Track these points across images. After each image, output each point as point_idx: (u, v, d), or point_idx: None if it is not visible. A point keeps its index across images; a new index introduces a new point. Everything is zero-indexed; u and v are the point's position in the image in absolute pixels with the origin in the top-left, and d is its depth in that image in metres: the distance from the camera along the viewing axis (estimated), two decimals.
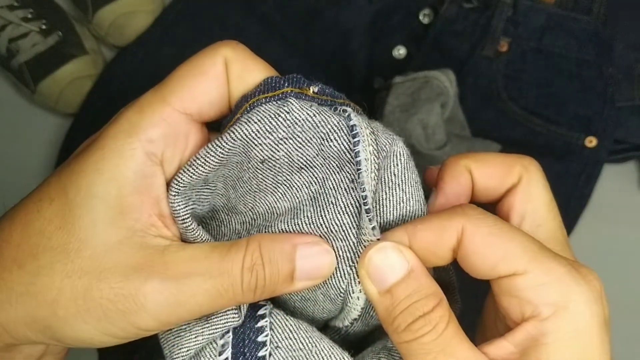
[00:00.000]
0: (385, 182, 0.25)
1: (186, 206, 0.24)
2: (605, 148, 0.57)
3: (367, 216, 0.23)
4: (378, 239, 0.24)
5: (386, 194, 0.25)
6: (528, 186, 0.26)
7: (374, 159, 0.24)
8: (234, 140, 0.23)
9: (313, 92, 0.24)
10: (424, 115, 0.50)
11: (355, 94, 0.58)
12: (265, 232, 0.26)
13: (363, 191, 0.23)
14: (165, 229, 0.24)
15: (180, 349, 0.24)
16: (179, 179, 0.23)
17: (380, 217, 0.25)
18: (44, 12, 0.59)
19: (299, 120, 0.23)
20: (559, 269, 0.23)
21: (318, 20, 0.59)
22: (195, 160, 0.23)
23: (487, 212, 0.24)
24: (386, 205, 0.25)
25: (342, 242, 0.25)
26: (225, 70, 0.24)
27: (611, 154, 0.59)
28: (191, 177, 0.23)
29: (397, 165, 0.25)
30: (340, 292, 0.25)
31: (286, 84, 0.24)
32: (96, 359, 0.54)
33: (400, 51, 0.59)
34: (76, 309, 0.22)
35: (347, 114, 0.23)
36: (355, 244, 0.25)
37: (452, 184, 0.26)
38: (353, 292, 0.25)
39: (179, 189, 0.23)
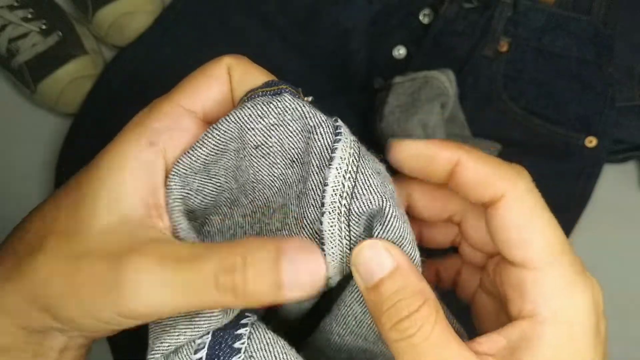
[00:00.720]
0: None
1: (182, 188, 0.24)
2: (605, 148, 0.57)
3: (322, 219, 0.24)
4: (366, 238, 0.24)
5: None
6: (512, 203, 0.25)
7: (352, 161, 0.24)
8: (228, 122, 0.24)
9: (307, 100, 0.25)
10: (424, 115, 0.50)
11: (355, 94, 0.58)
12: (264, 229, 0.26)
13: (323, 192, 0.24)
14: (159, 219, 0.24)
15: (162, 342, 0.24)
16: (179, 161, 0.25)
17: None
18: (44, 12, 0.59)
19: (289, 109, 0.24)
20: (568, 272, 0.23)
21: (318, 20, 0.59)
22: (195, 144, 0.25)
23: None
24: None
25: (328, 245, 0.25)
26: (228, 75, 0.26)
27: (611, 154, 0.59)
28: (190, 158, 0.24)
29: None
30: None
31: (282, 84, 0.25)
32: None
33: (400, 51, 0.59)
34: (64, 288, 0.24)
35: (334, 118, 0.24)
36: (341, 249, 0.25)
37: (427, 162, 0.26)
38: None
39: (178, 170, 0.24)
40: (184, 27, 0.60)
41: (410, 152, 0.26)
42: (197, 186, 0.26)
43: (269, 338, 0.25)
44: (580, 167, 0.57)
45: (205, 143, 0.25)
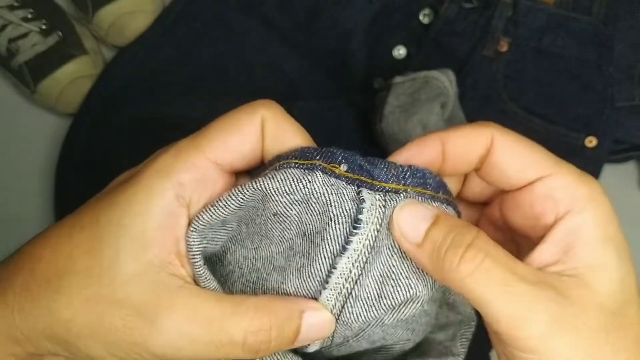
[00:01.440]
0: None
1: (200, 244, 0.25)
2: (605, 148, 0.57)
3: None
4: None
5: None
6: (504, 141, 0.26)
7: (364, 252, 0.25)
8: (254, 189, 0.24)
9: (342, 170, 0.25)
10: (424, 115, 0.50)
11: (355, 94, 0.58)
12: (261, 281, 0.27)
13: (330, 272, 0.25)
14: (181, 267, 0.25)
15: None
16: (200, 217, 0.25)
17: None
18: (44, 12, 0.59)
19: (316, 193, 0.24)
20: (577, 170, 0.26)
21: (318, 20, 0.59)
22: (217, 202, 0.25)
23: None
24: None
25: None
26: (261, 129, 0.26)
27: (611, 154, 0.59)
28: (211, 216, 0.25)
29: None
30: None
31: (318, 157, 0.25)
32: None
33: (400, 51, 0.59)
34: (88, 330, 0.24)
35: (362, 204, 0.24)
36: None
37: (418, 154, 0.27)
38: None
39: (197, 227, 0.25)
40: (184, 27, 0.60)
41: (402, 158, 0.27)
42: (212, 236, 0.26)
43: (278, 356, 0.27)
44: (580, 167, 0.57)
45: (227, 204, 0.25)
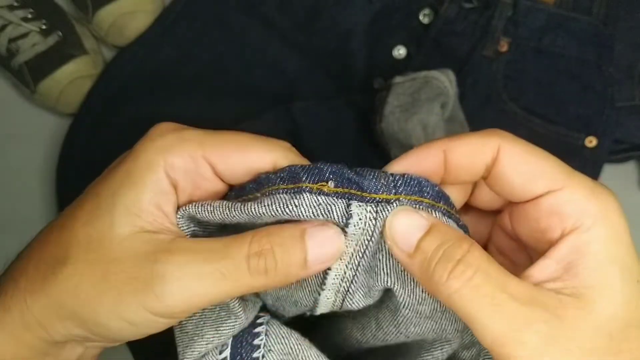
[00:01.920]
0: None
1: (188, 228, 0.27)
2: (605, 148, 0.57)
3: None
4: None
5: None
6: (511, 151, 0.25)
7: (355, 260, 0.26)
8: (241, 212, 0.25)
9: (331, 187, 0.25)
10: (424, 115, 0.50)
11: (355, 94, 0.58)
12: None
13: (326, 274, 0.26)
14: (175, 234, 0.26)
15: (192, 350, 0.27)
16: (187, 208, 0.26)
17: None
18: (44, 12, 0.59)
19: (305, 214, 0.25)
20: (590, 183, 0.24)
21: (318, 20, 0.59)
22: (205, 206, 0.26)
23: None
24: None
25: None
26: (273, 165, 0.27)
27: (611, 154, 0.59)
28: (196, 214, 0.26)
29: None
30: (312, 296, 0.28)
31: (305, 177, 0.25)
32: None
33: (400, 51, 0.59)
34: (94, 292, 0.25)
35: (349, 219, 0.25)
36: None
37: (418, 163, 0.26)
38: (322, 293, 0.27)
39: (184, 214, 0.26)
40: (184, 27, 0.60)
41: (402, 166, 0.26)
42: (201, 225, 0.28)
43: (283, 332, 0.27)
44: (580, 167, 0.57)
45: (213, 215, 0.26)
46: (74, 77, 0.58)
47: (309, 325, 0.30)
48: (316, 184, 0.25)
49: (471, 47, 0.57)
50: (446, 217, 0.25)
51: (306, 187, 0.24)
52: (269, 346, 0.27)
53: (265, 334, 0.27)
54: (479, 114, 0.57)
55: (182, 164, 0.26)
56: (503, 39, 0.57)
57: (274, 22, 0.60)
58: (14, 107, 0.62)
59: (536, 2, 0.57)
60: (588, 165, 0.57)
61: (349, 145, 0.55)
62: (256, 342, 0.27)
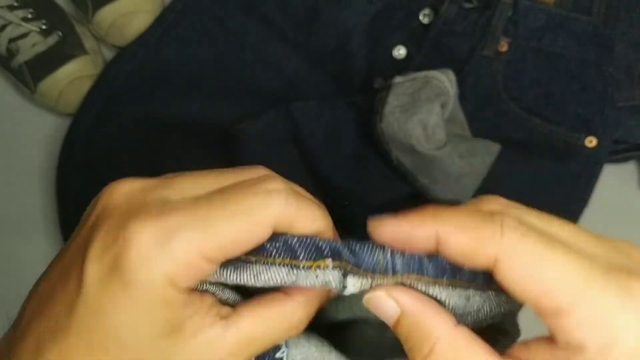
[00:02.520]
0: None
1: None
2: (605, 148, 0.57)
3: None
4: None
5: None
6: (510, 266, 0.22)
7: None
8: (239, 279, 0.25)
9: (327, 264, 0.24)
10: (424, 115, 0.50)
11: (355, 94, 0.58)
12: None
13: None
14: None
15: None
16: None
17: None
18: (44, 12, 0.59)
19: (300, 283, 0.25)
20: (609, 302, 0.21)
21: (318, 20, 0.59)
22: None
23: (524, 222, 0.22)
24: None
25: None
26: (273, 228, 0.25)
27: (611, 154, 0.59)
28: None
29: None
30: None
31: (301, 256, 0.25)
32: None
33: (400, 51, 0.59)
34: None
35: (344, 290, 0.25)
36: None
37: (408, 240, 0.24)
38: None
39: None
40: (184, 27, 0.60)
41: (388, 234, 0.24)
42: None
43: (303, 341, 0.28)
44: (581, 167, 0.57)
45: (209, 283, 0.25)
46: (73, 77, 0.58)
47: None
48: (314, 261, 0.24)
49: (471, 47, 0.57)
50: (450, 288, 0.24)
51: (302, 265, 0.24)
52: (292, 357, 0.27)
53: (286, 345, 0.28)
54: (479, 114, 0.57)
55: (182, 274, 0.23)
56: (503, 39, 0.57)
57: (274, 22, 0.60)
58: (14, 107, 0.62)
59: (536, 2, 0.57)
60: (588, 165, 0.57)
61: (349, 145, 0.55)
62: (278, 355, 0.27)
